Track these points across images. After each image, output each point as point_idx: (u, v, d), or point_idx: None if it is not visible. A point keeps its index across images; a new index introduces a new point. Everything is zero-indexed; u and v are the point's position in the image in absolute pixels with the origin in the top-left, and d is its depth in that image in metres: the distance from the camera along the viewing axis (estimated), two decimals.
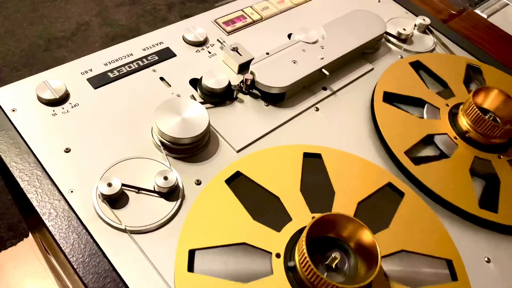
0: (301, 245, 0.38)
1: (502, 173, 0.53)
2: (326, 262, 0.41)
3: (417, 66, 0.65)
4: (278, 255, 0.41)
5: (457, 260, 0.45)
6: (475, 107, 0.54)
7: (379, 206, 0.48)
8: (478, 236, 0.49)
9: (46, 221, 0.42)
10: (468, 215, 0.49)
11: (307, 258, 0.37)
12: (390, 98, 0.59)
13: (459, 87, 0.62)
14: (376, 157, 0.54)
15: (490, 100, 0.57)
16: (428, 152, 0.56)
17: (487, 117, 0.54)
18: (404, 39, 0.68)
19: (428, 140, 0.56)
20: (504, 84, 0.65)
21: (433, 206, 0.50)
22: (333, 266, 0.41)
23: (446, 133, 0.56)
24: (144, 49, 0.58)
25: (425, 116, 0.58)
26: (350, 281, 0.40)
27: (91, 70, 0.54)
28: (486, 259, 0.47)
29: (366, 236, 0.40)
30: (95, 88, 0.53)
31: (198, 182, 0.47)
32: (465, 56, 0.70)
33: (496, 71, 0.67)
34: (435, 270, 0.45)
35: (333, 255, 0.40)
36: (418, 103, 0.60)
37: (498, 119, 0.57)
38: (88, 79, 0.53)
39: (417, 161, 0.53)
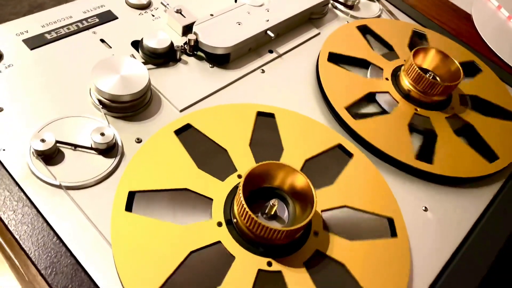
0: (238, 195, 0.39)
1: (440, 129, 0.55)
2: (266, 211, 0.42)
3: (364, 30, 0.66)
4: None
5: (398, 218, 0.45)
6: (415, 66, 0.56)
7: (327, 165, 0.48)
8: (415, 187, 0.50)
9: None
10: (404, 166, 0.50)
11: (244, 204, 0.38)
12: (335, 58, 0.60)
13: (404, 51, 0.64)
14: (320, 116, 0.54)
15: (429, 60, 0.59)
16: (369, 109, 0.57)
17: (427, 75, 0.56)
18: (350, 5, 0.69)
19: (370, 98, 0.57)
20: (447, 48, 0.67)
21: (374, 160, 0.51)
22: (273, 214, 0.42)
23: (388, 92, 0.58)
24: (84, 12, 0.56)
25: (368, 76, 0.60)
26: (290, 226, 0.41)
27: (27, 31, 0.52)
28: (423, 208, 0.49)
29: (299, 179, 0.40)
30: (31, 49, 0.51)
31: (139, 140, 0.46)
32: (409, 22, 0.72)
33: (440, 36, 0.69)
34: (375, 226, 0.45)
35: (271, 203, 0.41)
36: (363, 64, 0.61)
37: (437, 77, 0.59)
38: (23, 40, 0.51)
39: (358, 117, 0.54)
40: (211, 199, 0.42)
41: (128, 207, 0.40)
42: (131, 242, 0.38)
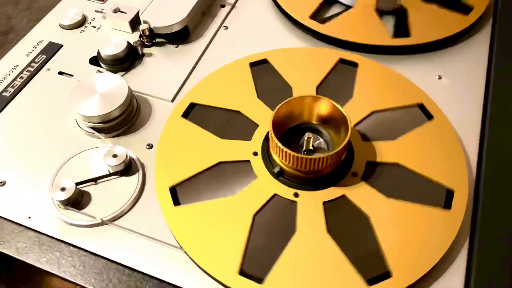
0: (272, 136, 0.38)
1: (408, 3, 0.54)
2: (304, 149, 0.41)
3: None
4: (255, 153, 0.41)
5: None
6: None
7: (338, 83, 0.47)
8: (424, 61, 0.50)
9: (20, 258, 0.38)
10: (382, 48, 0.50)
11: (278, 144, 0.37)
12: None
13: None
14: (294, 41, 0.53)
15: None
16: (334, 11, 0.56)
17: None
18: None
19: (331, 1, 0.56)
20: None
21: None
22: (311, 148, 0.41)
23: None
24: (27, 55, 0.53)
25: None
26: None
27: None
28: (437, 77, 0.49)
29: (324, 104, 0.39)
30: None
31: (150, 146, 0.44)
32: None
33: None
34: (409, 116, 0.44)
35: (305, 137, 0.40)
36: None
37: None
38: None
39: (325, 21, 0.53)
40: (248, 161, 0.41)
41: (176, 202, 0.39)
42: (196, 233, 0.37)
